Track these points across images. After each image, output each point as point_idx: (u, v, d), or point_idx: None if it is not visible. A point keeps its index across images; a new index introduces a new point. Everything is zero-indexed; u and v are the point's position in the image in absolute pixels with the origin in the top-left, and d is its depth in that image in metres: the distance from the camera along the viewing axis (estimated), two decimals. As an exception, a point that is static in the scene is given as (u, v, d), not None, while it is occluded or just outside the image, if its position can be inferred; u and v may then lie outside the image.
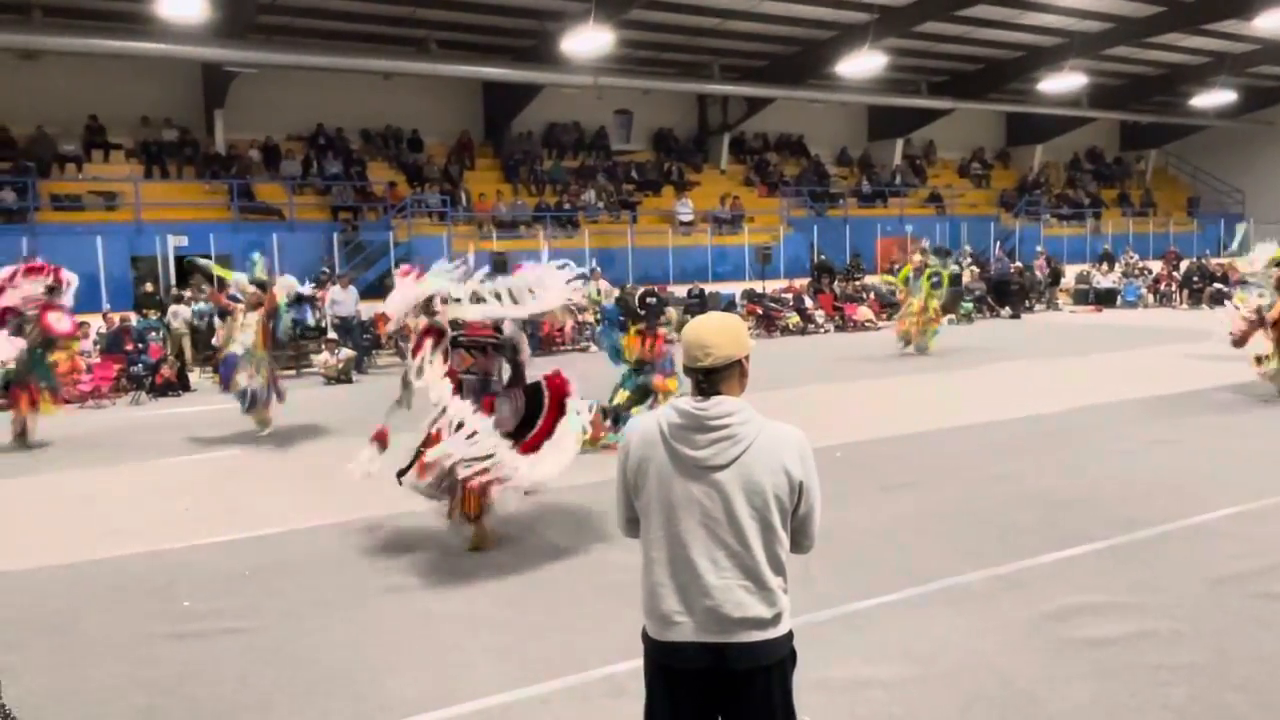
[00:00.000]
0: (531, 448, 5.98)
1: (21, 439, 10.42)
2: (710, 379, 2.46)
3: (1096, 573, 5.50)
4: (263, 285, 10.45)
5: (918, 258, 17.07)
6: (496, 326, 6.36)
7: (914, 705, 4.00)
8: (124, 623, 5.17)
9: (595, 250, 22.01)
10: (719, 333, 2.49)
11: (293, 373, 15.97)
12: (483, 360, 6.28)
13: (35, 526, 7.19)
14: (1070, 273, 27.15)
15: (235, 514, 7.27)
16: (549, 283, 6.32)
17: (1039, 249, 27.31)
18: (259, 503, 7.63)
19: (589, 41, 19.15)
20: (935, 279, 16.39)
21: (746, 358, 2.52)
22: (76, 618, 5.27)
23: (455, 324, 6.27)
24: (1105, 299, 25.48)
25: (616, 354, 9.57)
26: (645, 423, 2.56)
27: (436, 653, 4.66)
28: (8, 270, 10.51)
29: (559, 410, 6.19)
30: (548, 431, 6.08)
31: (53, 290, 10.54)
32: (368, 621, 5.10)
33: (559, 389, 6.30)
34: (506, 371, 6.42)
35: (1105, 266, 27.10)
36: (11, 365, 10.00)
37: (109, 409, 13.15)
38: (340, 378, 14.97)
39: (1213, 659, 4.33)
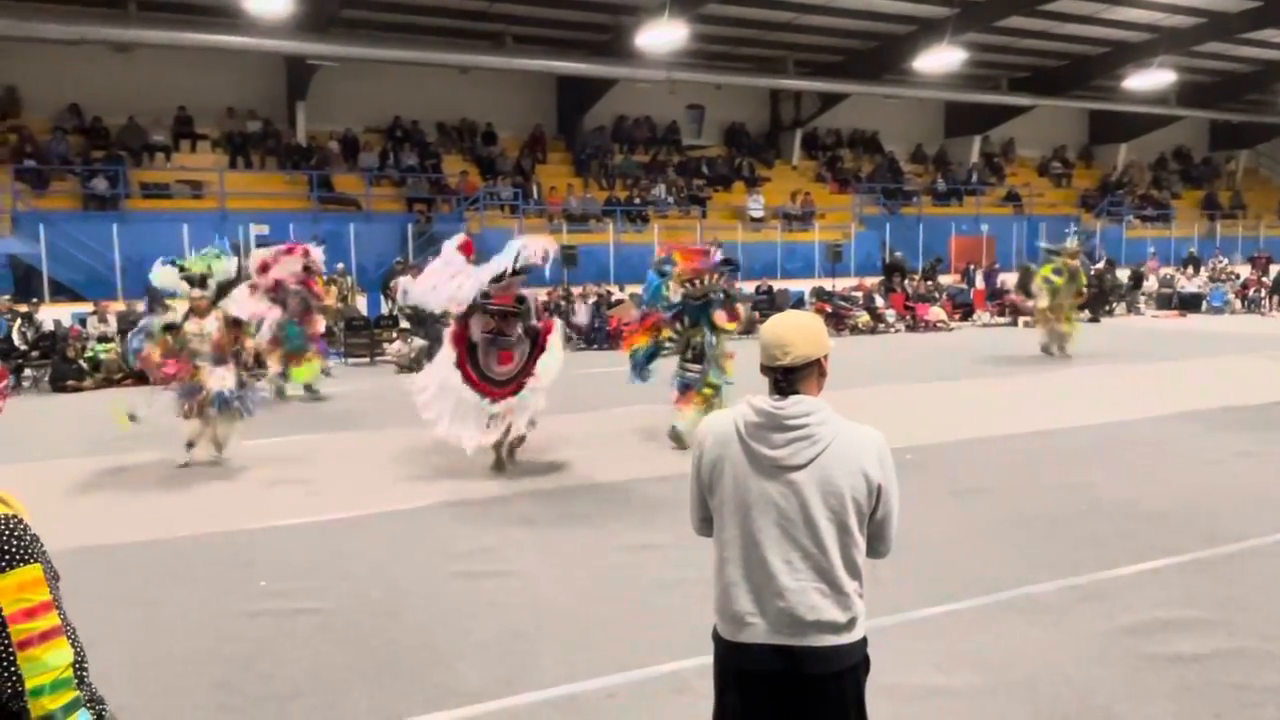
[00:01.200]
0: (520, 386, 7.73)
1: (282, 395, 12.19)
2: (789, 378, 2.43)
3: (1179, 587, 5.31)
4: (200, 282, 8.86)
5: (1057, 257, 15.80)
6: (519, 298, 7.91)
7: (985, 716, 3.92)
8: (202, 599, 5.33)
9: (664, 244, 21.98)
10: (798, 331, 2.46)
11: (366, 360, 16.31)
12: (502, 323, 7.80)
13: (121, 504, 7.45)
14: (1153, 276, 26.29)
15: (312, 497, 7.43)
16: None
17: (1151, 250, 26.40)
18: (335, 486, 7.79)
19: (663, 36, 19.16)
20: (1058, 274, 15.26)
21: (825, 357, 2.48)
22: (157, 593, 5.45)
23: (485, 294, 7.79)
24: (1190, 304, 24.62)
25: (656, 293, 9.05)
26: (720, 420, 2.54)
27: (504, 641, 4.71)
28: (272, 250, 12.57)
29: (542, 349, 7.90)
30: (532, 370, 7.80)
31: (308, 269, 12.36)
32: (437, 607, 5.18)
33: (547, 331, 8.08)
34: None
35: (1190, 270, 26.20)
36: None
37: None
38: (412, 366, 15.19)
39: (1303, 682, 4.16)
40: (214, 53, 19.26)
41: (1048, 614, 4.96)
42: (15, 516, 1.78)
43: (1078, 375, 13.70)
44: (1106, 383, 12.97)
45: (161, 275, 8.88)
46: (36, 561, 1.76)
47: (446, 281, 7.99)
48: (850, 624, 2.42)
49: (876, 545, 2.51)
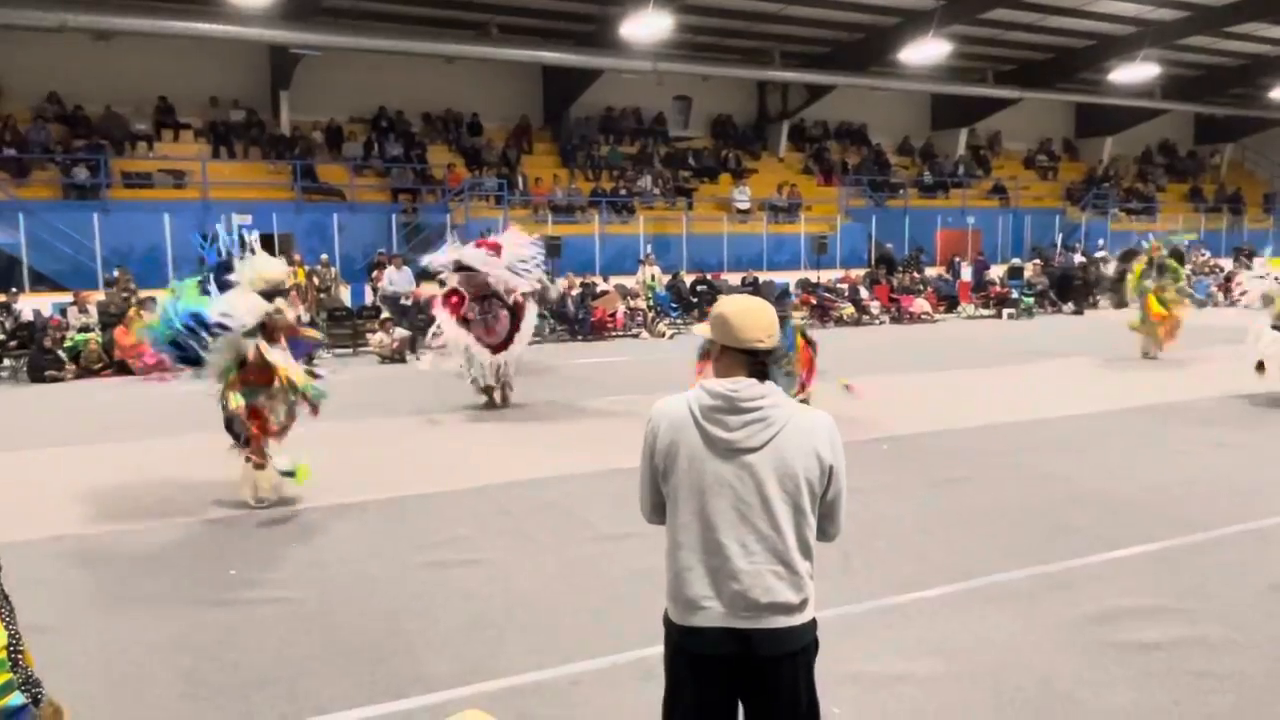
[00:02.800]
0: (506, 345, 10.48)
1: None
2: (765, 361, 2.49)
3: (1147, 576, 5.35)
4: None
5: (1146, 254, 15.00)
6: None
7: (948, 702, 3.94)
8: (171, 588, 5.32)
9: (650, 236, 22.03)
10: (770, 316, 2.51)
11: (349, 351, 16.26)
12: (484, 305, 10.37)
13: (94, 493, 7.40)
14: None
15: (283, 487, 7.40)
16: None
17: (1198, 241, 26.06)
18: (310, 476, 7.76)
19: (649, 26, 19.12)
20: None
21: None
22: (125, 582, 5.43)
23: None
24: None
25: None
26: (674, 405, 2.53)
27: (472, 629, 4.71)
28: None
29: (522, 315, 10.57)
30: (516, 331, 10.54)
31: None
32: (406, 596, 5.18)
33: (521, 308, 10.58)
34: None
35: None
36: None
37: (171, 382, 13.47)
38: (395, 357, 15.18)
39: (1264, 668, 4.19)
40: (196, 41, 19.12)
41: (1015, 602, 4.99)
42: None
43: (1056, 367, 13.77)
44: (1087, 374, 13.04)
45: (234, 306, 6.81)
46: None
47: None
48: (803, 605, 2.44)
49: (827, 526, 2.52)
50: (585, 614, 4.88)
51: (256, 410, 6.90)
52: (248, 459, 6.95)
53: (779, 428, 2.40)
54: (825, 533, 2.54)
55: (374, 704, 3.98)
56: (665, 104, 26.27)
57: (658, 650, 4.07)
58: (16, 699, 1.76)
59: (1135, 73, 24.63)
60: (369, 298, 18.31)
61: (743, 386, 2.42)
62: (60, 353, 13.82)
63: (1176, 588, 5.14)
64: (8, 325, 14.23)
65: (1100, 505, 6.69)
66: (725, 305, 2.54)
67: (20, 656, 1.79)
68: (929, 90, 27.87)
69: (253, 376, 6.88)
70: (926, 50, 21.98)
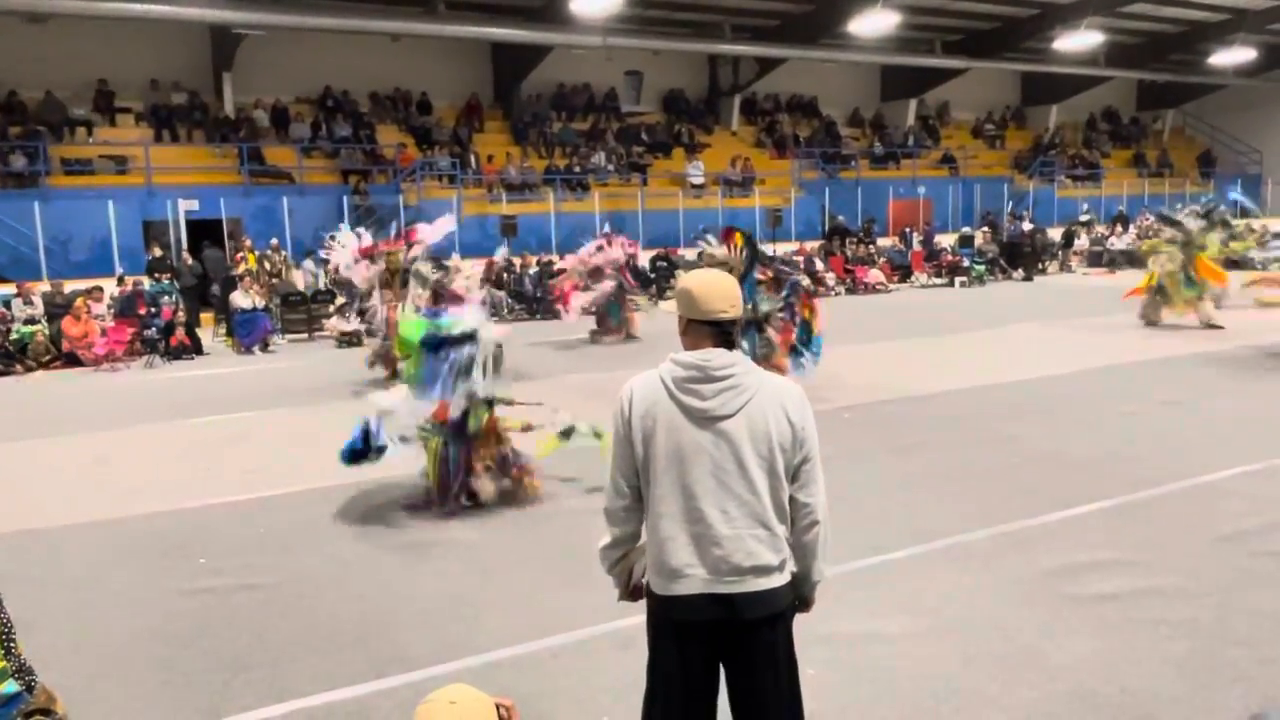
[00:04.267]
0: None
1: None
2: (731, 331, 2.53)
3: (1101, 531, 5.53)
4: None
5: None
6: None
7: (917, 658, 4.06)
8: (142, 579, 5.28)
9: (606, 213, 21.96)
10: (734, 286, 2.56)
11: (305, 336, 16.08)
12: None
13: (55, 487, 7.30)
14: (1084, 235, 26.93)
15: (250, 475, 7.36)
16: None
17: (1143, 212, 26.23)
18: (274, 464, 7.72)
19: (599, 1, 18.97)
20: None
21: None
22: (96, 574, 5.38)
23: None
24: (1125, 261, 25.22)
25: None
26: (644, 379, 2.56)
27: (448, 608, 4.74)
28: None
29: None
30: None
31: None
32: (381, 577, 5.19)
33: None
34: None
35: (1120, 228, 26.88)
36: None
37: (124, 372, 13.28)
38: (352, 340, 15.02)
39: (1214, 615, 4.37)
40: (135, 23, 18.61)
41: (978, 561, 5.14)
42: None
43: (1009, 333, 14.05)
44: (1039, 339, 13.33)
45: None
46: None
47: None
48: (781, 566, 2.51)
49: (811, 488, 2.54)
50: (560, 588, 4.94)
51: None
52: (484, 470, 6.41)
53: (751, 394, 2.46)
54: (811, 495, 2.53)
55: (354, 684, 4.00)
56: (616, 80, 26.14)
57: (634, 620, 4.15)
58: (10, 686, 1.77)
59: (1079, 41, 24.99)
60: (322, 281, 18.06)
61: (714, 356, 2.47)
62: (8, 345, 13.49)
63: (1130, 542, 5.32)
64: (-51, 319, 13.85)
65: (1055, 465, 6.88)
66: (688, 279, 2.58)
67: (13, 645, 1.79)
68: (878, 61, 28.03)
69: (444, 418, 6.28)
70: (875, 21, 22.09)
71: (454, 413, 6.08)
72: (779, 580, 2.50)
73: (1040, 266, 24.36)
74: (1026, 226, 24.90)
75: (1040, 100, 32.03)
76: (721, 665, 2.57)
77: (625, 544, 2.66)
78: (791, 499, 2.52)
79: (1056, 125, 32.32)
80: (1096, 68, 28.99)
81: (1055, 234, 26.08)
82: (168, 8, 17.45)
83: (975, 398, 9.42)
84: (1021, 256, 23.78)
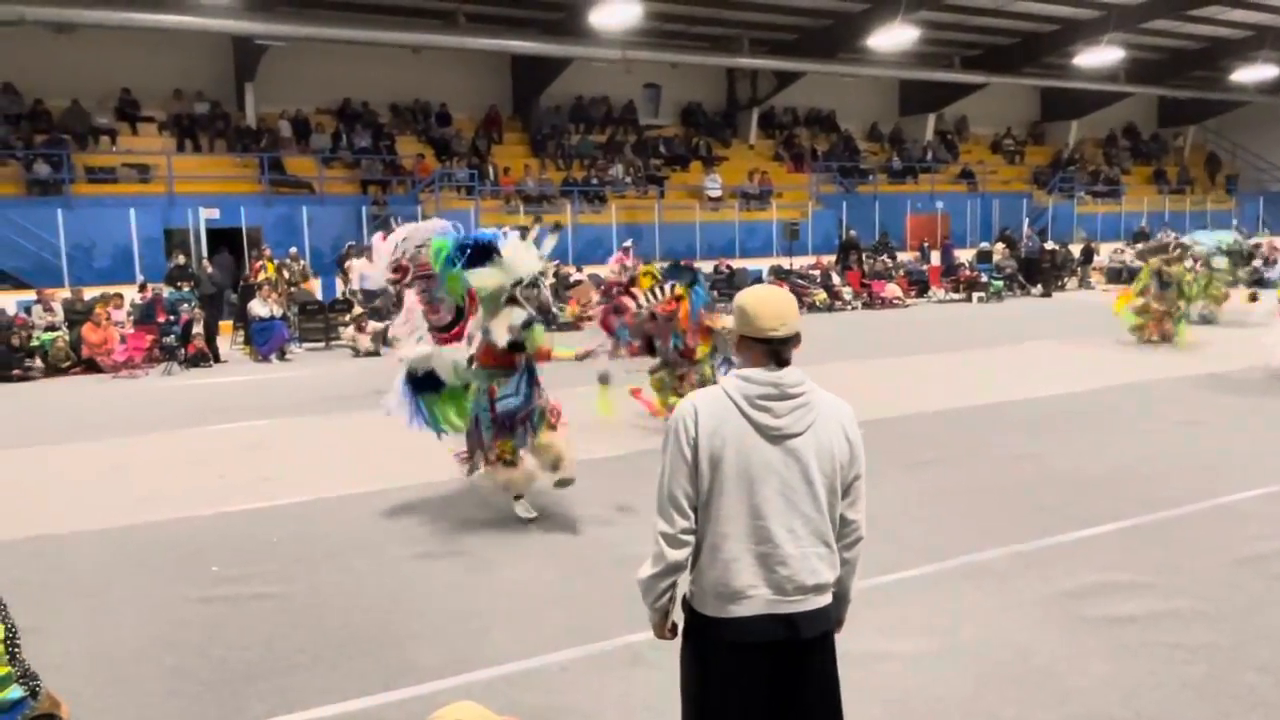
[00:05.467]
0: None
1: None
2: (785, 348, 2.50)
3: (1119, 551, 5.47)
4: None
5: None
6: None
7: (930, 678, 4.02)
8: (154, 587, 5.29)
9: (622, 226, 21.99)
10: (789, 304, 2.55)
11: (322, 345, 16.16)
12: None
13: (70, 493, 7.35)
14: (1104, 251, 26.77)
15: (264, 483, 7.38)
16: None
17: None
18: (287, 472, 7.75)
19: (617, 14, 19.07)
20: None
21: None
22: (108, 581, 5.40)
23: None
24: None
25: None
26: (708, 396, 2.51)
27: (459, 620, 4.74)
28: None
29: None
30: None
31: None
32: (392, 588, 5.19)
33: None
34: None
35: (1139, 245, 26.68)
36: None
37: (142, 379, 13.38)
38: (369, 351, 15.10)
39: (1234, 639, 4.31)
40: (159, 33, 18.79)
41: (993, 580, 5.09)
42: None
43: (1026, 350, 13.96)
44: (1057, 356, 13.23)
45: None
46: None
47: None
48: (834, 583, 2.54)
49: (858, 505, 2.56)
50: (571, 602, 4.92)
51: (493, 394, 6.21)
52: (496, 460, 6.26)
53: (817, 412, 2.49)
54: (853, 522, 2.55)
55: (364, 696, 4.00)
56: (635, 92, 26.21)
57: (643, 636, 4.11)
58: (15, 692, 1.77)
59: (1100, 56, 24.89)
60: (340, 290, 18.17)
61: (786, 373, 2.47)
62: (27, 351, 13.62)
63: (1147, 563, 5.26)
64: (-29, 324, 14.00)
65: (1071, 484, 6.82)
66: (744, 296, 2.57)
67: (18, 650, 1.80)
68: (897, 76, 28.01)
69: (492, 359, 6.10)
70: (894, 36, 22.08)
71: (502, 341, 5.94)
72: (830, 597, 2.54)
73: (1059, 282, 24.21)
74: (1050, 245, 24.76)
75: (1060, 116, 31.89)
76: (771, 686, 2.51)
77: (677, 572, 2.53)
78: (841, 516, 2.54)
79: (1076, 141, 32.17)
80: (1117, 84, 28.84)
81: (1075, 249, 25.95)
82: (192, 19, 17.66)
83: (991, 415, 9.35)
84: (1040, 272, 23.65)
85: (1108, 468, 7.23)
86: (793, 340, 2.51)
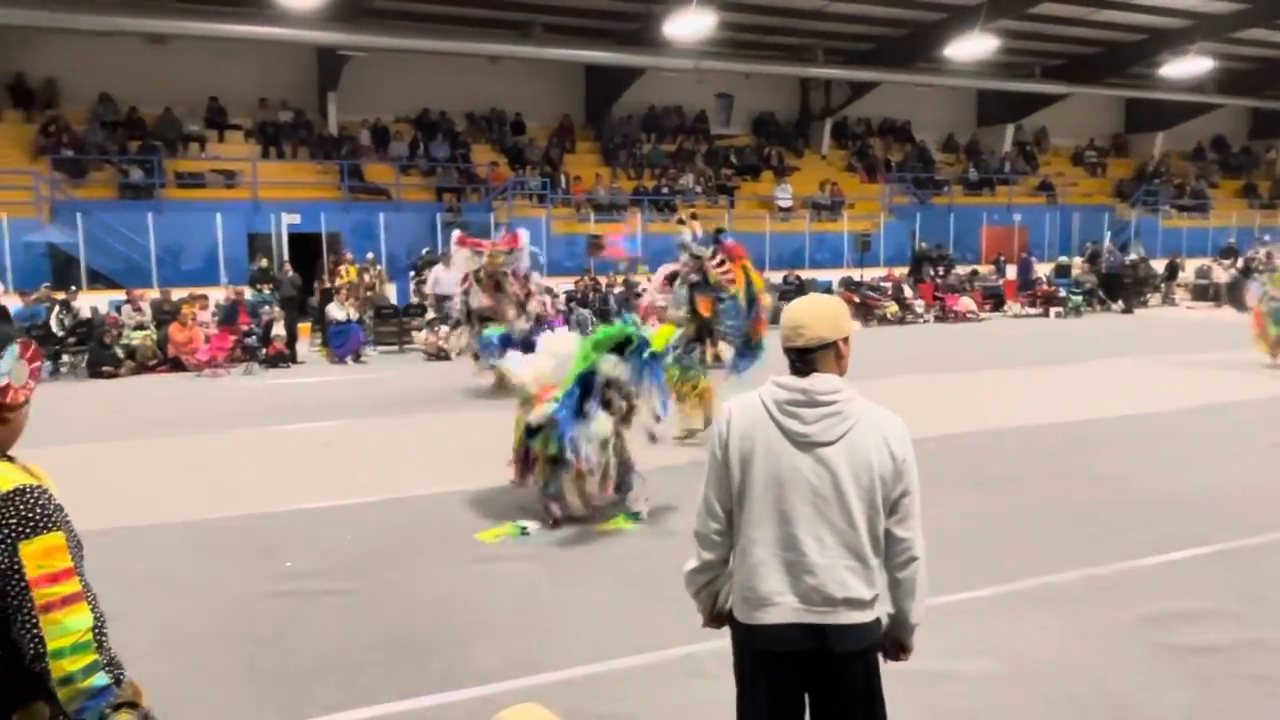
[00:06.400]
0: None
1: None
2: (804, 359, 2.46)
3: (1201, 578, 5.28)
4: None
5: None
6: None
7: (996, 702, 3.93)
8: (230, 579, 5.46)
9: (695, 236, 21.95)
10: (814, 314, 2.49)
11: (395, 348, 16.49)
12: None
13: (153, 487, 7.61)
14: (1190, 267, 25.91)
15: (338, 482, 7.55)
16: None
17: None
18: (359, 472, 7.91)
19: (691, 24, 19.12)
20: None
21: (845, 340, 2.50)
22: (187, 573, 5.59)
23: None
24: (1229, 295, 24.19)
25: None
26: (744, 401, 2.54)
27: (522, 623, 4.78)
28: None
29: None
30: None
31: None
32: (457, 590, 5.26)
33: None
34: None
35: (1227, 261, 25.75)
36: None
37: (223, 378, 13.81)
38: (440, 354, 15.33)
39: (1323, 673, 4.13)
40: (246, 43, 19.47)
41: (1066, 603, 4.95)
42: (40, 487, 1.86)
43: (1105, 367, 13.56)
44: (1135, 374, 12.83)
45: None
46: (59, 529, 1.84)
47: None
48: (874, 600, 2.45)
49: (909, 523, 2.47)
50: (634, 610, 4.93)
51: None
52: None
53: (853, 422, 2.42)
54: (903, 540, 2.46)
55: (427, 694, 4.06)
56: (707, 102, 26.23)
57: (706, 647, 4.12)
58: (101, 679, 1.83)
59: (1187, 67, 24.15)
60: (414, 295, 18.52)
61: (818, 380, 2.44)
62: (118, 349, 14.16)
63: (1232, 591, 5.07)
64: (67, 322, 14.60)
65: (1151, 507, 6.60)
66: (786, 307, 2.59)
67: (105, 639, 1.86)
68: (975, 86, 27.55)
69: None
70: (973, 46, 21.73)
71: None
72: (870, 615, 2.45)
73: (1141, 298, 23.50)
74: (1131, 256, 24.03)
75: (1145, 127, 31.00)
76: (807, 698, 2.51)
77: (714, 569, 2.59)
78: (888, 534, 2.45)
79: (1161, 153, 31.22)
80: (1205, 94, 27.93)
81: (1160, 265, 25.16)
82: (278, 29, 18.23)
83: (1067, 433, 9.10)
84: (1121, 288, 22.97)
85: (1191, 490, 6.98)
86: (818, 350, 2.45)
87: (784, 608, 2.41)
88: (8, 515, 1.80)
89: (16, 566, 1.78)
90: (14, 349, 1.91)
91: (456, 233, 12.65)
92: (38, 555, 1.80)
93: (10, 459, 1.92)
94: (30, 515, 1.81)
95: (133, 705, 1.86)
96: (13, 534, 1.79)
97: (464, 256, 11.88)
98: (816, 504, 2.40)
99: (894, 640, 2.57)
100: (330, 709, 3.96)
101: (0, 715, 1.84)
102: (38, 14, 16.55)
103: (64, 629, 1.79)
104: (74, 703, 1.81)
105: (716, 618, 2.67)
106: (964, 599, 4.98)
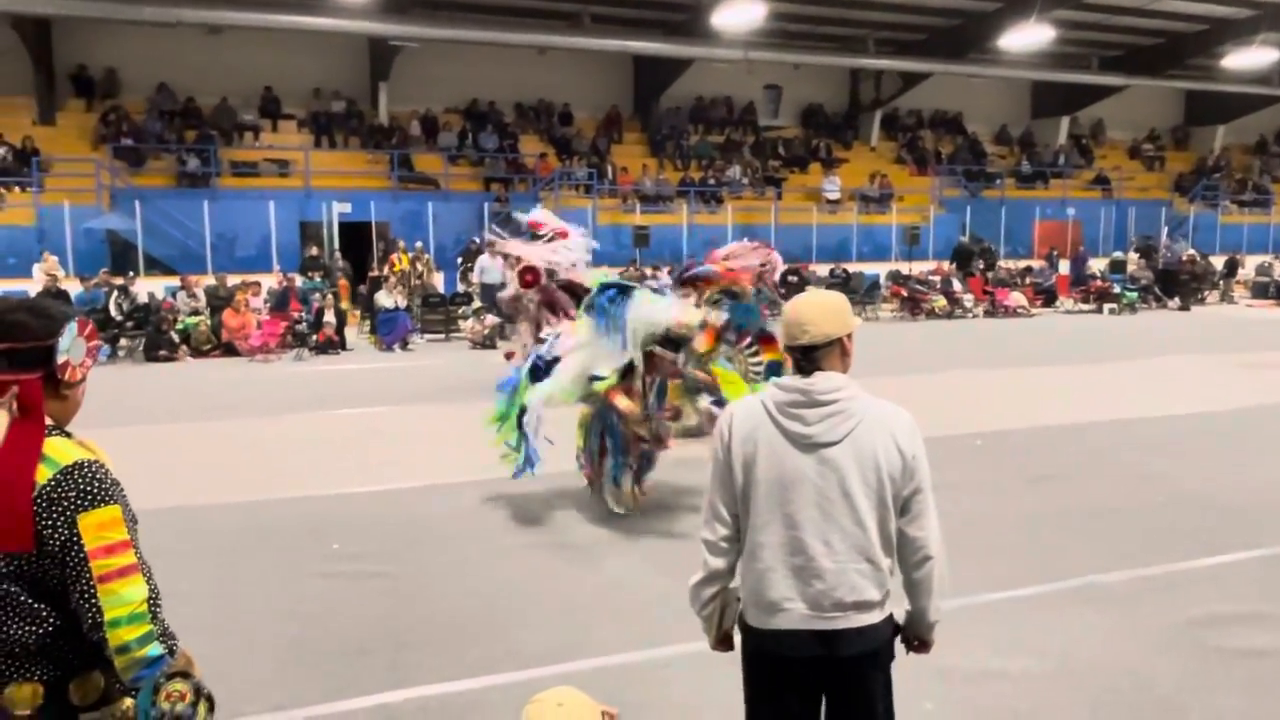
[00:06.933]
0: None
1: None
2: (808, 357, 2.40)
3: (1255, 582, 5.15)
4: None
5: None
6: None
7: (1041, 701, 3.88)
8: (279, 560, 5.57)
9: (738, 227, 21.91)
10: (818, 310, 2.43)
11: (442, 337, 16.65)
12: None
13: (205, 468, 7.79)
14: (1250, 264, 25.24)
15: (384, 467, 7.67)
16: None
17: None
18: (405, 457, 8.03)
19: (740, 15, 19.02)
20: None
21: (849, 337, 2.43)
22: (237, 553, 5.71)
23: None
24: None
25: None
26: (746, 404, 2.50)
27: (563, 610, 4.82)
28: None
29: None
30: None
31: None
32: (501, 575, 5.32)
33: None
34: None
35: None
36: None
37: (275, 363, 14.06)
38: (486, 343, 15.46)
39: (1382, 681, 4.01)
40: (300, 34, 19.76)
41: (1114, 603, 4.86)
42: (97, 461, 1.92)
43: (1160, 365, 13.28)
44: (1189, 373, 12.55)
45: None
46: (116, 503, 1.89)
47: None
48: (884, 601, 2.39)
49: (921, 521, 2.39)
50: (674, 600, 4.90)
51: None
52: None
53: (857, 420, 2.35)
54: (916, 539, 2.39)
55: (470, 678, 4.11)
56: (755, 93, 26.08)
57: (746, 637, 4.12)
58: (155, 649, 1.88)
59: (1251, 58, 23.48)
60: (461, 285, 18.69)
61: (819, 380, 2.38)
62: (173, 334, 14.49)
63: (1287, 595, 4.94)
64: (125, 307, 14.97)
65: (1205, 507, 6.46)
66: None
67: (159, 610, 1.91)
68: (1029, 77, 27.04)
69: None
70: (1028, 36, 21.34)
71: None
72: (879, 616, 2.39)
73: (1199, 296, 22.94)
74: (1188, 251, 23.47)
75: (1205, 120, 30.22)
76: (823, 702, 2.46)
77: (721, 579, 2.52)
78: (901, 533, 2.39)
79: (1222, 147, 30.41)
80: (1270, 86, 27.12)
81: (1218, 262, 24.55)
82: (331, 20, 18.48)
83: (1119, 431, 8.93)
84: (1178, 284, 22.44)
85: (1248, 492, 6.82)
86: (820, 348, 2.39)
87: (793, 613, 2.36)
88: (66, 489, 1.85)
89: (75, 538, 1.84)
90: (73, 326, 1.96)
91: (490, 236, 11.84)
92: (95, 527, 1.85)
93: (68, 435, 1.97)
94: (89, 489, 1.86)
95: (185, 675, 1.90)
96: (71, 506, 1.84)
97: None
98: (822, 506, 2.34)
99: (915, 636, 2.53)
100: (374, 689, 4.03)
101: (59, 684, 1.90)
102: (101, 5, 16.95)
103: (120, 599, 1.84)
104: (129, 671, 1.86)
105: (724, 640, 2.61)
106: (1011, 596, 4.92)
